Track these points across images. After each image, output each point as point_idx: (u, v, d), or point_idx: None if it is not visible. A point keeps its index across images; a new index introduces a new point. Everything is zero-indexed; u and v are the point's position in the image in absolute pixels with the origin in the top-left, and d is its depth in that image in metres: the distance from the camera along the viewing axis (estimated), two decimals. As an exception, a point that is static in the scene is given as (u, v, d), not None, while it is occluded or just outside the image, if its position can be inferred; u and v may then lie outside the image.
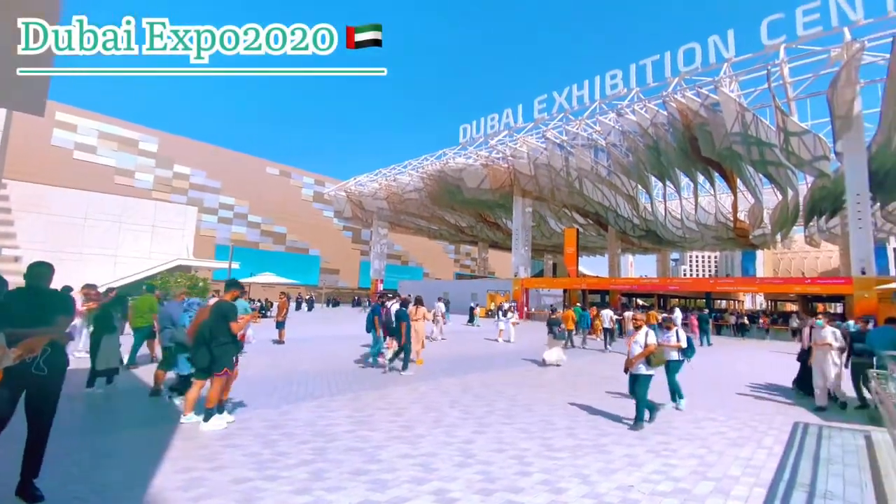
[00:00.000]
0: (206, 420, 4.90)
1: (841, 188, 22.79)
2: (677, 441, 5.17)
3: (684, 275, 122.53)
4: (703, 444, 5.10)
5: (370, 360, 9.74)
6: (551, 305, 30.26)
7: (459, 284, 44.86)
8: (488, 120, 33.00)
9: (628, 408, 6.36)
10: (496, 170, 32.93)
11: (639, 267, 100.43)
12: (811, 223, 35.60)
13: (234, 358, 5.23)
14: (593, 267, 63.61)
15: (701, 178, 30.26)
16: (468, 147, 34.48)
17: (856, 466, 4.53)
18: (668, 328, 7.26)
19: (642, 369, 5.73)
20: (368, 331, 9.96)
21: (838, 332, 7.32)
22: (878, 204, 29.22)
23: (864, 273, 20.11)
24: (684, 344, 6.94)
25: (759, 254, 58.78)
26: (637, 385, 5.73)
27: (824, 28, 19.34)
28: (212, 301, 5.95)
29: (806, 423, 6.23)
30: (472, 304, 25.53)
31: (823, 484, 4.03)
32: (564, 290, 36.31)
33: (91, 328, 7.04)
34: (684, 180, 31.53)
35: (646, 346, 5.74)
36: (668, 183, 31.85)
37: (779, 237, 37.96)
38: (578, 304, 19.95)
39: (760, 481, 4.03)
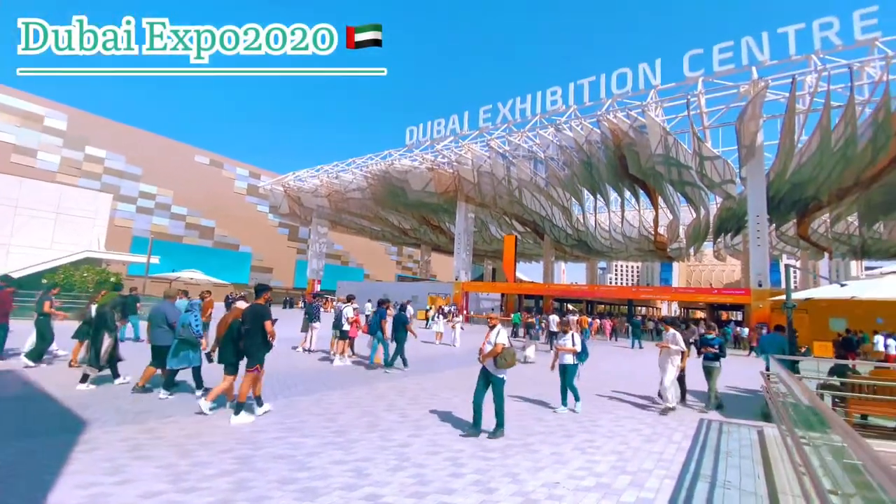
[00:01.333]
0: (236, 414, 5.28)
1: (744, 210, 25.73)
2: (601, 438, 5.53)
3: (610, 283, 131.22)
4: (623, 440, 5.51)
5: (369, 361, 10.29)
6: (527, 310, 31.36)
7: (401, 286, 44.59)
8: (435, 124, 33.27)
9: (555, 408, 6.71)
10: (441, 174, 33.26)
11: (570, 274, 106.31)
12: (719, 239, 39.95)
13: (264, 356, 5.66)
14: (529, 273, 66.29)
15: (627, 194, 32.72)
16: (414, 150, 34.51)
17: (750, 459, 5.13)
18: (565, 331, 7.24)
19: (492, 369, 5.37)
20: (373, 333, 10.11)
21: (679, 336, 7.47)
22: (774, 225, 33.35)
23: (760, 285, 22.84)
24: (579, 348, 6.93)
25: (676, 265, 64.75)
26: (493, 387, 5.39)
27: (736, 66, 21.78)
28: (240, 304, 6.24)
29: (710, 420, 6.94)
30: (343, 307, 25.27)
31: (723, 475, 4.52)
32: (502, 295, 37.45)
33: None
34: (613, 195, 33.90)
35: (494, 345, 5.35)
36: (598, 197, 34.06)
37: (692, 251, 42.27)
38: (516, 310, 20.61)
39: (670, 474, 4.43)
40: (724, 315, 49.02)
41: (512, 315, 24.59)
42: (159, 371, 6.48)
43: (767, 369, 7.70)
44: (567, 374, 6.90)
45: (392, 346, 9.95)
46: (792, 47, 20.49)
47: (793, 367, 7.94)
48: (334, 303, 11.40)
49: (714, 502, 3.82)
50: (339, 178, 39.12)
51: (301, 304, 39.49)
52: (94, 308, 7.41)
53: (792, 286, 9.93)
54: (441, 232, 46.47)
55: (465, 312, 32.96)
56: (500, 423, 5.32)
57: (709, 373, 7.85)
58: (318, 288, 45.37)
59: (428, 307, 31.45)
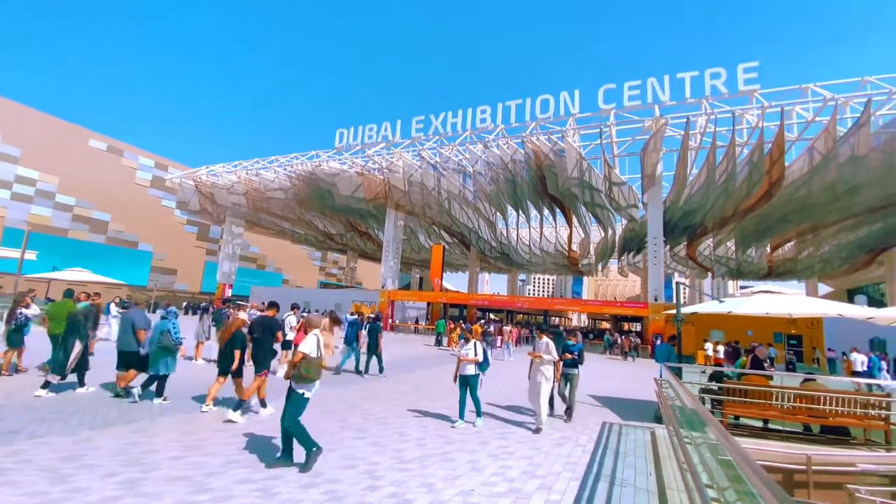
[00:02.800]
0: (234, 410, 5.90)
1: (644, 232, 28.64)
2: (514, 444, 5.75)
3: (529, 294, 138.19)
4: (534, 445, 5.78)
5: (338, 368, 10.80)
6: (452, 318, 31.45)
7: (323, 294, 42.85)
8: (366, 129, 32.76)
9: (475, 415, 6.86)
10: (371, 180, 32.77)
11: (493, 285, 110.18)
12: (623, 257, 44.02)
13: (271, 362, 6.59)
14: (455, 282, 67.40)
15: (546, 212, 34.91)
16: (344, 153, 33.64)
17: (644, 458, 5.64)
18: (467, 339, 6.85)
19: (293, 383, 4.48)
20: (349, 343, 11.04)
21: (552, 346, 6.89)
22: (668, 246, 37.54)
23: (656, 300, 25.50)
24: (481, 357, 6.61)
25: (586, 280, 69.86)
26: (288, 403, 4.44)
27: (642, 102, 24.34)
28: (241, 314, 6.80)
29: (611, 423, 7.54)
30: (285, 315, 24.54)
31: (621, 473, 4.92)
32: (428, 304, 37.62)
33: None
34: (534, 212, 35.92)
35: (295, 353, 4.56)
36: (521, 213, 35.91)
37: (600, 266, 46.13)
38: (441, 318, 20.82)
39: (576, 475, 4.73)
40: (625, 325, 53.90)
41: (436, 323, 24.89)
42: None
43: (661, 376, 8.58)
44: (470, 385, 6.61)
45: (365, 355, 11.09)
46: (688, 91, 23.41)
47: (680, 373, 8.95)
48: (248, 309, 10.76)
49: (613, 500, 4.13)
50: (259, 175, 36.79)
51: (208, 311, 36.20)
52: (27, 313, 8.06)
53: (681, 301, 11.25)
54: (369, 238, 45.64)
55: (391, 320, 32.65)
56: (306, 446, 4.29)
57: (568, 380, 7.60)
58: (229, 293, 42.03)
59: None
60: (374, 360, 11.01)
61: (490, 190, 31.10)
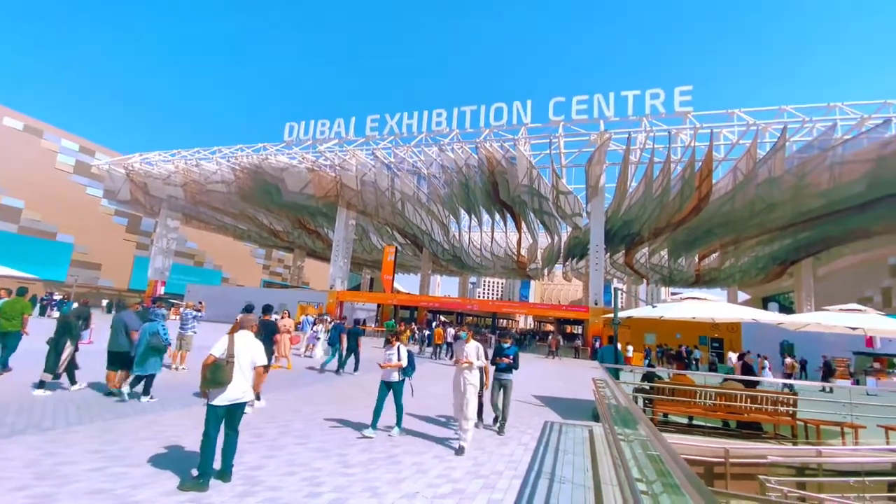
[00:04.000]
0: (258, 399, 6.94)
1: (587, 239, 30.05)
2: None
3: (479, 296, 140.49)
4: (479, 445, 5.88)
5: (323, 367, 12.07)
6: (402, 320, 30.91)
7: (267, 293, 40.94)
8: (318, 124, 31.82)
9: (426, 418, 6.85)
10: (322, 177, 31.83)
11: (444, 287, 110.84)
12: (568, 263, 45.95)
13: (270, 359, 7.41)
14: (406, 284, 67.11)
15: (498, 217, 35.71)
16: (293, 147, 32.44)
17: (581, 455, 5.91)
18: (391, 343, 6.36)
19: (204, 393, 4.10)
20: (332, 344, 12.54)
21: (482, 350, 6.31)
22: (609, 254, 39.66)
23: (596, 304, 26.84)
24: (405, 362, 6.15)
25: (533, 283, 72.26)
26: (208, 414, 4.01)
27: (589, 117, 25.58)
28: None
29: (552, 422, 7.83)
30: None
31: (560, 470, 5.12)
32: (379, 305, 37.14)
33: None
34: (486, 216, 36.60)
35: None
36: (473, 216, 36.45)
37: (546, 271, 47.90)
38: (391, 319, 20.68)
39: (518, 473, 4.86)
40: (568, 328, 56.24)
41: (385, 323, 24.74)
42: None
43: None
44: (395, 391, 6.12)
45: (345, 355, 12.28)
46: (630, 109, 24.92)
47: (616, 373, 9.48)
48: (182, 309, 10.16)
49: (552, 497, 4.30)
50: (200, 166, 34.60)
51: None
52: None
53: (619, 305, 11.93)
54: (318, 237, 44.26)
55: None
56: (224, 468, 4.00)
57: (502, 387, 6.90)
58: (161, 290, 39.11)
59: (296, 317, 29.54)
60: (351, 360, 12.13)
61: (444, 193, 31.32)
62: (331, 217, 35.89)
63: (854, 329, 9.17)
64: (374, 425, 5.90)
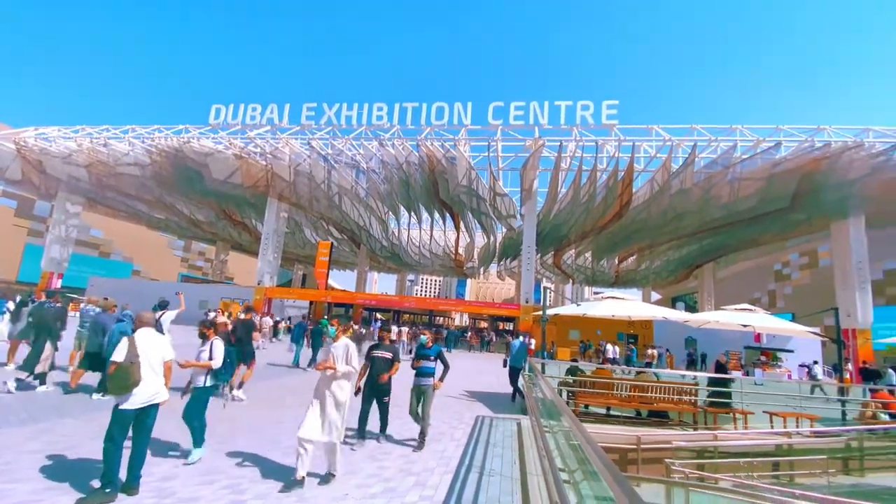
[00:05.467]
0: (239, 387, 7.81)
1: (520, 240, 31.24)
2: (390, 444, 5.77)
3: (417, 294, 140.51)
4: (412, 443, 5.88)
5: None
6: (336, 318, 29.65)
7: (185, 289, 37.69)
8: (249, 109, 29.86)
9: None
10: (251, 165, 29.85)
11: (381, 284, 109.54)
12: (502, 262, 47.52)
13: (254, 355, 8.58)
14: (342, 281, 65.30)
15: (437, 216, 35.96)
16: (220, 131, 30.15)
17: (510, 448, 6.14)
18: (206, 336, 4.94)
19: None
20: (296, 342, 13.63)
21: (353, 350, 4.82)
22: (539, 254, 41.59)
23: (527, 302, 28.02)
24: (218, 363, 4.80)
25: (469, 282, 73.81)
26: (115, 418, 3.65)
27: (525, 123, 26.57)
28: (221, 319, 8.61)
29: (483, 417, 8.06)
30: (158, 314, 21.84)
31: (490, 464, 5.29)
32: (311, 303, 35.75)
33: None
34: (425, 214, 36.69)
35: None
36: (413, 214, 36.37)
37: (482, 270, 49.17)
38: (325, 316, 20.06)
39: (449, 469, 4.94)
40: (500, 325, 58.19)
41: (320, 321, 23.87)
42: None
43: (528, 371, 9.45)
44: (197, 400, 4.67)
45: (308, 352, 13.51)
46: (562, 118, 26.27)
47: (544, 368, 9.97)
48: (83, 305, 9.16)
49: (481, 489, 4.42)
50: (108, 146, 30.93)
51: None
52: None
53: (547, 304, 12.56)
54: (245, 229, 41.47)
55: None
56: (130, 479, 3.62)
57: (421, 395, 5.90)
58: (57, 284, 34.54)
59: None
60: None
61: (383, 189, 30.86)
62: (260, 208, 33.77)
63: (745, 326, 10.46)
64: (198, 444, 4.70)
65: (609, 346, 22.48)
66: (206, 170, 29.46)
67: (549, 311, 12.33)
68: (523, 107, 26.61)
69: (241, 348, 7.94)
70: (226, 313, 12.18)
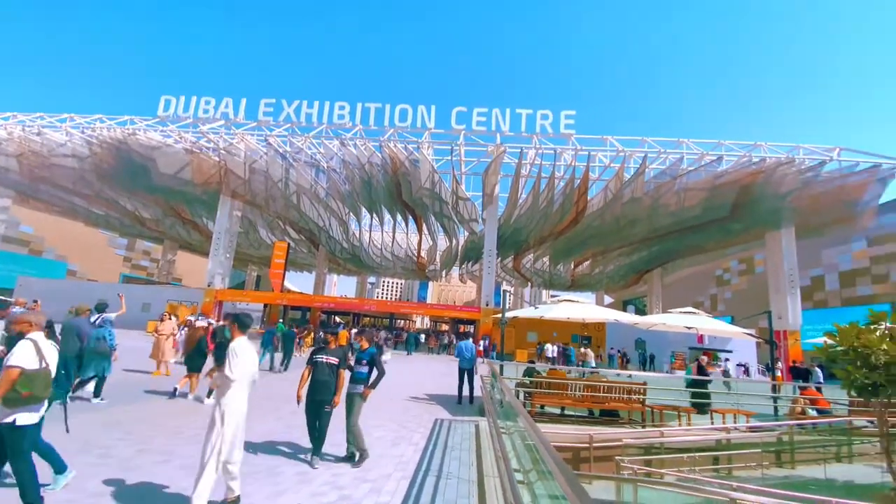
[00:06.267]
0: (208, 396, 8.02)
1: (482, 244, 31.68)
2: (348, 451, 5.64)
3: (378, 297, 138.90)
4: (369, 448, 5.76)
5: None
6: (293, 321, 28.23)
7: (127, 290, 35.17)
8: (202, 102, 28.43)
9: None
10: (204, 161, 28.43)
11: (341, 287, 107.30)
12: (463, 265, 47.91)
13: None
14: (299, 283, 63.33)
15: (399, 217, 35.75)
16: (169, 123, 28.51)
17: (468, 450, 6.16)
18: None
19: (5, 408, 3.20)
20: (265, 346, 13.75)
21: (238, 354, 3.84)
22: (500, 258, 42.30)
23: (487, 305, 28.39)
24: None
25: (431, 285, 73.82)
26: (24, 440, 3.27)
27: (487, 129, 27.01)
28: (200, 322, 10.19)
29: (442, 419, 8.06)
30: (96, 319, 20.54)
31: (447, 467, 5.28)
32: (265, 305, 34.47)
33: None
34: (387, 216, 36.37)
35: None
36: (374, 215, 35.95)
37: (444, 273, 49.32)
38: (280, 320, 19.37)
39: (406, 474, 4.90)
40: (461, 328, 58.62)
41: (277, 325, 23.01)
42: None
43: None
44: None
45: (279, 356, 14.25)
46: (523, 125, 26.92)
47: (502, 370, 10.11)
48: (11, 308, 8.51)
49: (438, 493, 4.41)
50: (43, 135, 28.50)
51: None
52: None
53: (506, 306, 12.78)
54: (195, 227, 39.33)
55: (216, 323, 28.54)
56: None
57: (350, 402, 5.32)
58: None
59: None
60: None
61: (344, 189, 30.30)
62: (212, 206, 32.11)
63: (689, 328, 11.11)
64: (60, 470, 3.84)
65: (548, 346, 23.25)
66: (153, 164, 27.77)
67: (508, 314, 12.55)
68: (486, 113, 27.07)
69: (218, 352, 8.09)
70: (178, 317, 11.58)
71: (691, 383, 10.30)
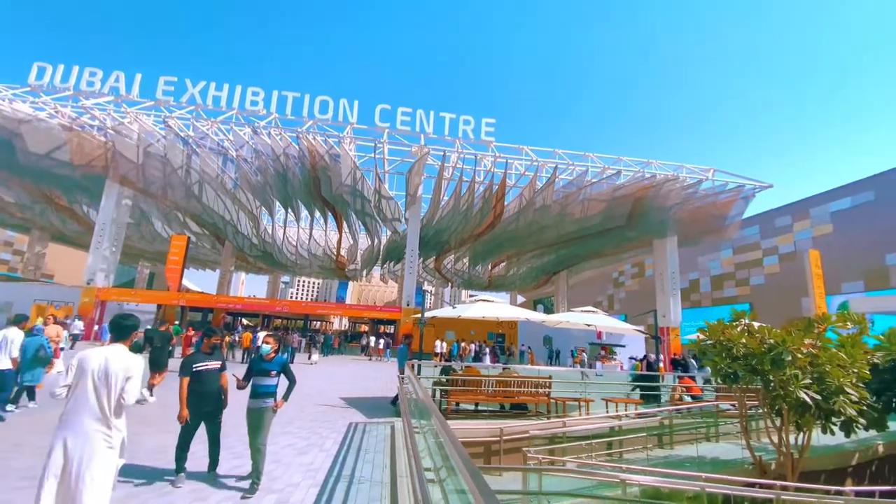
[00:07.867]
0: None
1: (404, 244, 31.65)
2: (249, 462, 5.28)
3: (291, 297, 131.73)
4: (274, 458, 5.45)
5: None
6: (191, 324, 25.22)
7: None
8: (86, 73, 24.72)
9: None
10: (85, 140, 24.62)
11: (249, 286, 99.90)
12: (385, 265, 47.45)
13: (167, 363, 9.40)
14: (201, 281, 57.77)
15: (318, 214, 34.29)
16: (42, 94, 24.34)
17: (382, 452, 6.13)
18: None
19: None
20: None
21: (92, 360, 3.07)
22: (422, 259, 42.61)
23: (408, 305, 28.43)
24: None
25: (351, 284, 71.91)
26: None
27: (411, 129, 27.07)
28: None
29: (357, 423, 7.92)
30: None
31: (360, 471, 5.21)
32: (159, 306, 30.93)
33: None
34: (304, 212, 34.71)
35: None
36: (290, 210, 34.07)
37: (365, 273, 48.37)
38: (177, 321, 17.55)
39: (316, 482, 4.74)
40: (381, 328, 58.00)
41: (172, 327, 20.74)
42: None
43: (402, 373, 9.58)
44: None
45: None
46: (447, 129, 27.46)
47: (420, 369, 10.23)
48: None
49: (349, 498, 4.34)
50: None
51: None
52: None
53: (426, 306, 12.94)
54: (73, 216, 33.87)
55: (98, 327, 24.77)
56: None
57: (258, 419, 4.64)
58: None
59: (32, 320, 22.08)
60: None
61: (256, 181, 28.26)
62: (95, 193, 27.89)
63: (589, 325, 12.17)
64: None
65: (437, 342, 23.90)
66: (19, 140, 23.48)
67: (427, 314, 12.72)
68: (410, 113, 27.14)
69: (156, 354, 8.96)
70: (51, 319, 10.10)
71: (639, 379, 11.34)
